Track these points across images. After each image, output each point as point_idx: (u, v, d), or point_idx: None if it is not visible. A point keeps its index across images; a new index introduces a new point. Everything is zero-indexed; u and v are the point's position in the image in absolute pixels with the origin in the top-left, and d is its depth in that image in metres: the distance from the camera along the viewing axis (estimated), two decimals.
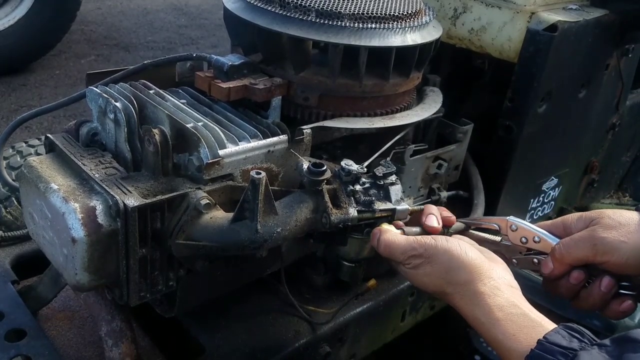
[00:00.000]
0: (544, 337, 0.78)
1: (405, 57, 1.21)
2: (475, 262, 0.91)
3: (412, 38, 1.20)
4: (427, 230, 1.03)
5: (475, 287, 0.88)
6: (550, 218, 1.87)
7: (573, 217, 1.04)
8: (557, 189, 1.81)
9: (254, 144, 1.07)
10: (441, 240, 0.95)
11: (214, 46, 5.06)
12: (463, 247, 0.93)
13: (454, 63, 1.65)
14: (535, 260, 1.05)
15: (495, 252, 1.00)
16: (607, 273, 0.97)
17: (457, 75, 1.66)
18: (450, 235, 1.07)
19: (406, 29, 1.19)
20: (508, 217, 1.07)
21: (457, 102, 1.57)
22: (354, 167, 1.04)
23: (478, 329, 0.88)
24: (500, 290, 0.88)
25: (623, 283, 0.98)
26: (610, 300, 0.98)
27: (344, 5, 1.15)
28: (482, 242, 1.09)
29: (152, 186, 0.99)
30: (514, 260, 1.07)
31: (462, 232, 1.11)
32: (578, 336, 0.78)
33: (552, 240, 1.03)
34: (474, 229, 1.11)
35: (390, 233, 1.01)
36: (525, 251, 1.05)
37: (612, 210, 1.01)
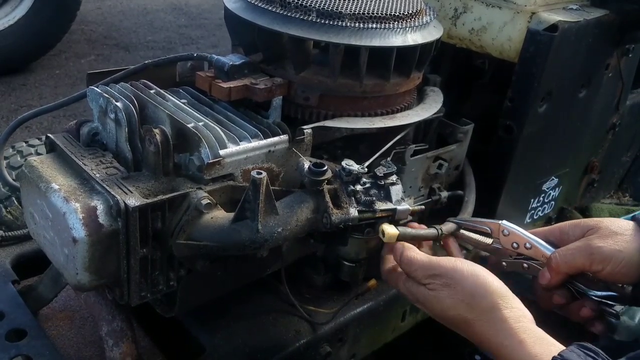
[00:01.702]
0: (559, 354, 0.79)
1: (405, 57, 1.21)
2: (502, 290, 0.91)
3: (412, 38, 1.20)
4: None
5: (502, 314, 0.88)
6: (550, 218, 1.88)
7: (570, 224, 1.04)
8: (557, 189, 1.81)
9: (255, 143, 1.07)
10: (466, 264, 0.94)
11: (215, 46, 5.06)
12: (487, 273, 0.94)
13: (455, 63, 1.65)
14: (525, 265, 1.05)
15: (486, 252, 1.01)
16: (600, 282, 0.98)
17: (458, 75, 1.66)
18: (442, 235, 1.07)
19: (407, 29, 1.19)
20: (501, 222, 1.07)
21: (458, 102, 1.57)
22: (355, 167, 1.04)
23: (498, 352, 0.88)
24: (524, 317, 0.89)
25: (610, 293, 0.98)
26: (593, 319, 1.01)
27: (345, 5, 1.15)
28: (473, 243, 1.09)
29: (153, 186, 0.99)
30: (503, 263, 1.07)
31: (453, 232, 1.11)
32: (593, 355, 0.79)
33: (545, 249, 1.03)
34: (465, 230, 1.11)
35: (413, 250, 1.00)
36: (515, 255, 1.05)
37: (609, 219, 1.01)
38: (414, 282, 0.99)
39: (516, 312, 0.89)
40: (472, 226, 1.11)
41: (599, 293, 1.00)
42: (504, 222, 1.07)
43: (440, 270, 0.94)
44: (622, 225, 0.99)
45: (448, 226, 1.10)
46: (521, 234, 1.05)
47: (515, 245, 1.05)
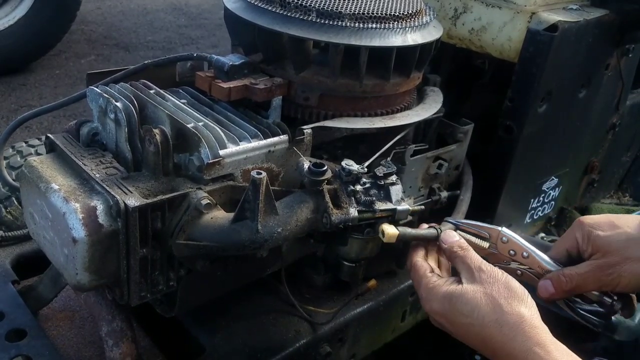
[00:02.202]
0: None
1: (405, 57, 1.21)
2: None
3: (412, 38, 1.20)
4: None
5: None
6: (550, 218, 1.88)
7: (580, 237, 1.01)
8: (557, 189, 1.81)
9: (255, 144, 1.07)
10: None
11: (214, 46, 5.06)
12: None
13: (455, 63, 1.65)
14: (519, 272, 1.04)
15: (483, 256, 1.00)
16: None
17: (458, 75, 1.66)
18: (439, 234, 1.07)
19: (407, 29, 1.19)
20: (501, 228, 1.06)
21: (458, 102, 1.57)
22: (355, 167, 1.04)
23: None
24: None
25: (597, 309, 1.00)
26: None
27: (345, 5, 1.15)
28: (470, 245, 1.08)
29: (153, 186, 0.99)
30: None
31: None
32: None
33: (542, 260, 1.02)
34: (462, 231, 1.10)
35: (431, 280, 0.99)
36: (510, 262, 1.05)
37: (616, 240, 0.98)
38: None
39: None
40: (470, 229, 1.10)
41: (586, 307, 1.01)
42: (504, 229, 1.06)
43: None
44: (633, 242, 0.97)
45: (448, 226, 1.10)
46: (520, 243, 1.04)
47: (512, 252, 1.05)
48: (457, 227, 1.10)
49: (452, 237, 1.02)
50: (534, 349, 0.84)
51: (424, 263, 1.02)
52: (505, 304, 0.88)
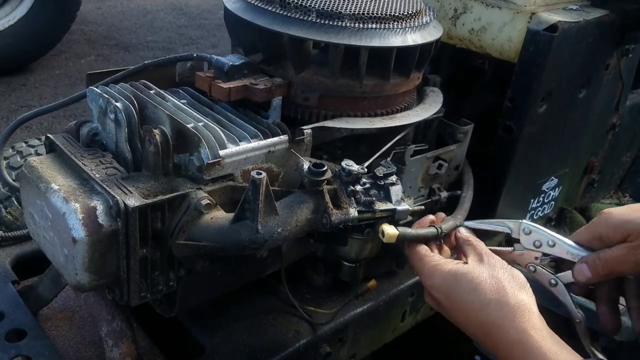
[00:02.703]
0: None
1: (405, 57, 1.21)
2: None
3: (412, 38, 1.20)
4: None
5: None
6: (550, 218, 1.88)
7: (608, 226, 1.00)
8: (557, 189, 1.81)
9: (255, 144, 1.07)
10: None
11: (214, 46, 5.06)
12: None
13: (454, 63, 1.65)
14: (553, 281, 1.03)
15: (509, 262, 1.00)
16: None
17: (458, 76, 1.66)
18: (442, 235, 1.07)
19: (406, 29, 1.19)
20: (521, 221, 1.05)
21: (458, 102, 1.57)
22: (355, 167, 1.04)
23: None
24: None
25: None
26: None
27: (345, 6, 1.15)
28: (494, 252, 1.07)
29: (153, 186, 0.99)
30: (530, 267, 1.05)
31: (453, 229, 1.10)
32: None
33: (569, 247, 1.01)
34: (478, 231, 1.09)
35: (434, 258, 1.01)
36: (540, 256, 1.04)
37: None
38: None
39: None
40: (487, 229, 1.09)
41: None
42: (524, 221, 1.05)
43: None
44: None
45: (448, 224, 1.10)
46: (544, 232, 1.03)
47: (537, 243, 1.03)
48: (475, 230, 1.09)
49: (467, 231, 1.06)
50: (530, 332, 0.86)
51: (425, 246, 1.04)
52: (509, 287, 0.91)
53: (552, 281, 1.03)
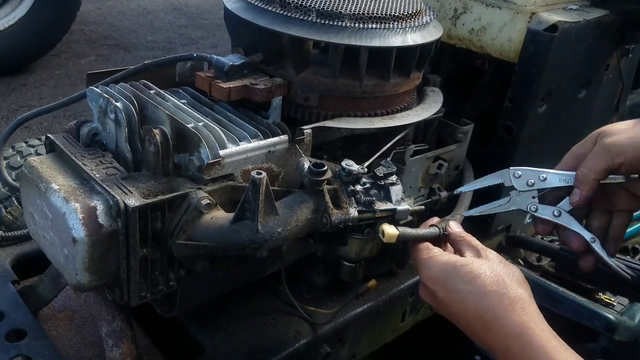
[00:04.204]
0: None
1: (405, 57, 1.21)
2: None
3: (412, 38, 1.20)
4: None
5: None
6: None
7: (579, 145, 1.07)
8: None
9: (255, 144, 1.07)
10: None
11: (214, 46, 5.07)
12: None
13: (454, 63, 1.65)
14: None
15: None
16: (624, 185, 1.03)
17: (458, 76, 1.66)
18: (443, 234, 1.07)
19: (407, 29, 1.19)
20: (509, 168, 1.09)
21: (458, 102, 1.57)
22: (355, 167, 1.04)
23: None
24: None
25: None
26: None
27: (345, 6, 1.15)
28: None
29: (153, 186, 0.99)
30: (531, 207, 1.07)
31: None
32: None
33: (561, 174, 1.05)
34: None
35: (433, 251, 1.02)
36: (537, 194, 1.06)
37: (610, 124, 1.05)
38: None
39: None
40: (482, 186, 1.11)
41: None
42: (511, 167, 1.09)
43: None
44: (625, 122, 1.03)
45: (450, 222, 1.10)
46: (532, 170, 1.07)
47: (530, 182, 1.06)
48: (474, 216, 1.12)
49: (459, 226, 1.06)
50: (530, 324, 0.86)
51: (427, 242, 1.05)
52: (508, 280, 0.91)
53: (556, 212, 1.05)
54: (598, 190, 1.03)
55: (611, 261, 1.05)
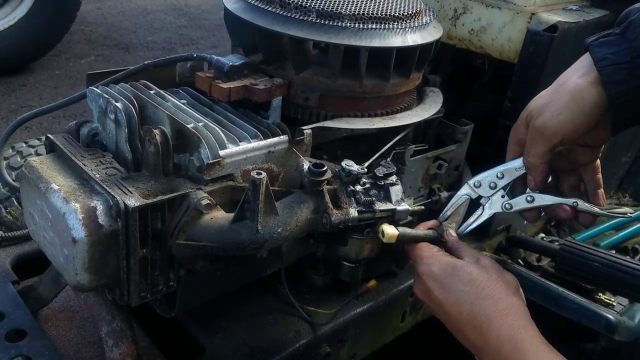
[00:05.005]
0: None
1: (405, 57, 1.22)
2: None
3: (412, 38, 1.20)
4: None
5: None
6: (550, 218, 1.87)
7: (516, 130, 1.06)
8: None
9: (255, 144, 1.07)
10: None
11: (214, 46, 5.07)
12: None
13: (454, 63, 1.65)
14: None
15: None
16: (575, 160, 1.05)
17: (457, 76, 1.67)
18: (442, 236, 1.07)
19: (406, 29, 1.19)
20: (466, 182, 1.10)
21: (457, 102, 1.57)
22: (355, 167, 1.04)
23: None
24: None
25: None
26: None
27: (345, 6, 1.15)
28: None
29: (153, 186, 0.99)
30: (506, 205, 1.08)
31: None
32: None
33: (511, 166, 1.06)
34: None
35: (433, 250, 1.03)
36: (504, 193, 1.08)
37: (533, 99, 1.03)
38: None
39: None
40: (455, 209, 1.11)
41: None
42: (469, 180, 1.10)
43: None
44: (543, 95, 1.01)
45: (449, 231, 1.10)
46: (488, 173, 1.08)
47: (493, 185, 1.08)
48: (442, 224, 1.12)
49: (455, 234, 1.08)
50: (522, 330, 0.88)
51: (426, 242, 1.06)
52: (505, 288, 0.93)
53: (528, 199, 1.06)
54: (549, 169, 1.03)
55: (603, 212, 1.07)
